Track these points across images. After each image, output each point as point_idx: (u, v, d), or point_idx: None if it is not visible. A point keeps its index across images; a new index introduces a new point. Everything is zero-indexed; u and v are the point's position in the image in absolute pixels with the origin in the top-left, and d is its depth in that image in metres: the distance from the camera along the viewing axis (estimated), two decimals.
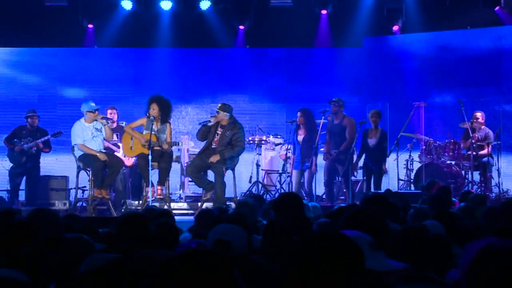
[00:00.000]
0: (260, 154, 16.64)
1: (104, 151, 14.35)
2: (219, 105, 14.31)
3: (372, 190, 15.26)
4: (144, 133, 14.14)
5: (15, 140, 15.53)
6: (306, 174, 15.95)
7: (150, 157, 13.56)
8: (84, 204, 14.93)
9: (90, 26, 18.84)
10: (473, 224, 7.59)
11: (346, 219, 4.91)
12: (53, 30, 18.48)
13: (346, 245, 3.22)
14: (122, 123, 15.74)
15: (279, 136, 17.23)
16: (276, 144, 17.15)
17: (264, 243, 5.62)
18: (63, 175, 16.18)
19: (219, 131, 14.02)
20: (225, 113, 14.03)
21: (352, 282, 3.20)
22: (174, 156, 15.62)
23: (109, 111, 15.76)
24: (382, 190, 15.20)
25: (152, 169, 13.87)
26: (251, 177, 16.55)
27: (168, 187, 14.47)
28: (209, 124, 14.14)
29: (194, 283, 3.04)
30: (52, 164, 16.99)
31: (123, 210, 14.40)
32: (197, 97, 18.65)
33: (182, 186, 16.11)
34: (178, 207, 14.52)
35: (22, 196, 16.07)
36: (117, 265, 3.81)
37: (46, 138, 15.70)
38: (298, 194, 9.28)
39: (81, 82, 18.97)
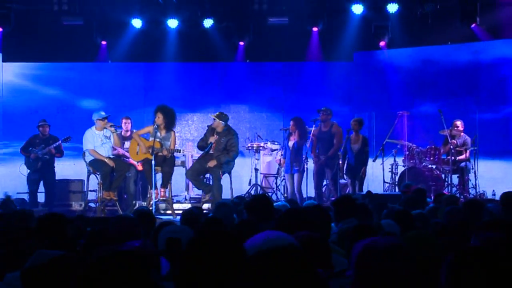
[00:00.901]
0: (259, 159, 16.84)
1: (112, 156, 14.55)
2: (217, 113, 14.56)
3: (357, 191, 15.22)
4: (150, 140, 14.25)
5: (30, 148, 15.72)
6: (295, 177, 15.86)
7: (153, 162, 13.70)
8: (95, 205, 15.08)
9: (104, 42, 18.89)
10: (433, 224, 7.87)
11: (278, 219, 5.10)
12: (70, 46, 18.53)
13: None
14: (134, 131, 15.69)
15: (276, 143, 17.16)
16: (273, 150, 17.14)
17: None
18: (79, 178, 16.32)
19: (215, 138, 14.27)
20: (221, 121, 14.28)
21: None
22: (179, 161, 15.89)
23: (124, 120, 15.88)
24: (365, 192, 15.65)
25: (156, 173, 13.99)
26: (250, 180, 16.73)
27: (171, 190, 14.59)
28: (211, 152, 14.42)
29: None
30: (69, 168, 17.08)
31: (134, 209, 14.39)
32: (201, 106, 18.63)
33: (187, 188, 16.29)
34: (183, 207, 14.23)
35: (41, 198, 16.11)
36: (60, 262, 3.84)
37: (57, 143, 15.84)
38: (268, 196, 9.44)
39: (96, 93, 19.01)
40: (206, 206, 13.89)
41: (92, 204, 15.27)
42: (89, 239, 5.56)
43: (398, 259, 3.28)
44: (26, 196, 15.99)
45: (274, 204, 9.19)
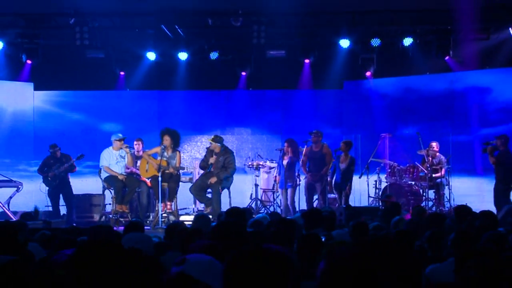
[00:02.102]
0: (258, 176, 16.93)
1: (124, 174, 14.90)
2: (212, 137, 14.92)
3: (343, 205, 15.28)
4: (158, 159, 14.58)
5: (45, 169, 16.02)
6: (289, 192, 16.07)
7: (160, 178, 14.04)
8: (112, 217, 15.13)
9: (122, 73, 18.97)
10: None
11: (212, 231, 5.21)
12: (93, 76, 18.71)
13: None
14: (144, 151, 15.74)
15: (274, 161, 17.22)
16: (271, 168, 17.28)
17: None
18: (100, 193, 16.17)
19: (214, 158, 14.68)
20: (217, 143, 14.70)
21: None
22: (188, 178, 16.14)
23: (135, 142, 16.05)
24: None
25: (163, 188, 14.30)
26: (251, 194, 16.93)
27: (176, 203, 14.89)
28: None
29: None
30: (93, 184, 17.00)
31: (148, 221, 14.73)
32: (209, 129, 18.41)
33: (194, 202, 16.23)
34: (190, 218, 13.83)
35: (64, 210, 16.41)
36: (12, 267, 3.67)
37: (71, 162, 16.09)
38: (241, 209, 9.45)
39: (115, 118, 19.18)
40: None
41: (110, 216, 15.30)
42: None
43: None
44: (50, 208, 16.20)
45: (256, 216, 9.58)
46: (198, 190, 14.77)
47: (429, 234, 6.95)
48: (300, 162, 16.14)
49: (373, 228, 8.35)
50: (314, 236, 6.17)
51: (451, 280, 4.76)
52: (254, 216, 10.88)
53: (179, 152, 15.06)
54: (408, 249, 4.30)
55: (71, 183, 16.62)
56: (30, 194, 16.84)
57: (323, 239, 6.78)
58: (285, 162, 16.23)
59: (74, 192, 16.64)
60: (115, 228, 12.61)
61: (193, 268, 3.31)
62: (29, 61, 17.91)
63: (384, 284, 2.98)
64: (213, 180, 14.51)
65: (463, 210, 9.64)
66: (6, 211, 14.97)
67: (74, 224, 14.23)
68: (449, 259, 5.69)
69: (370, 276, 2.98)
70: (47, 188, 16.17)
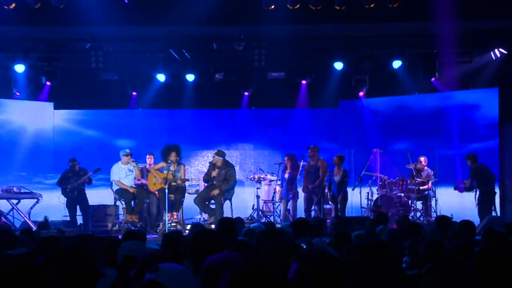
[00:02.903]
0: (260, 188, 17.18)
1: (134, 186, 15.11)
2: (215, 151, 15.18)
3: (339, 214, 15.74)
4: (164, 172, 14.84)
5: (63, 181, 16.17)
6: (290, 202, 16.36)
7: (167, 190, 14.29)
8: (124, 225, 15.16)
9: (134, 93, 19.05)
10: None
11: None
12: (107, 96, 18.82)
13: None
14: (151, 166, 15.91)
15: (274, 175, 17.49)
16: (271, 181, 17.49)
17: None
18: (114, 204, 16.24)
19: (216, 172, 14.98)
20: (219, 157, 14.98)
21: None
22: (194, 190, 16.36)
23: (148, 156, 16.13)
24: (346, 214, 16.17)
25: (170, 200, 14.52)
26: (253, 205, 17.17)
27: (182, 213, 15.11)
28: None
29: None
30: (108, 195, 16.58)
31: (158, 230, 15.02)
32: (214, 145, 18.27)
33: (200, 212, 16.12)
34: None
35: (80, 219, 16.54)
36: None
37: (88, 175, 16.22)
38: (232, 219, 9.24)
39: (128, 134, 19.27)
40: (213, 226, 13.88)
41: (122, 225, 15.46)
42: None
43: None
44: (68, 218, 16.36)
45: (251, 225, 9.69)
46: (202, 201, 15.03)
47: (409, 243, 7.05)
48: (298, 175, 16.31)
49: (355, 237, 8.41)
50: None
51: None
52: (246, 225, 10.97)
53: (183, 165, 15.31)
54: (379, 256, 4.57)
55: (87, 195, 16.75)
56: (48, 205, 16.81)
57: (304, 246, 7.03)
58: (286, 175, 16.48)
59: (90, 203, 16.73)
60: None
61: (165, 277, 3.36)
62: (48, 83, 17.99)
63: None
64: (216, 192, 14.77)
65: (443, 220, 9.80)
66: (27, 220, 15.15)
67: (90, 233, 14.46)
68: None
69: (337, 274, 3.24)
70: (66, 199, 16.30)
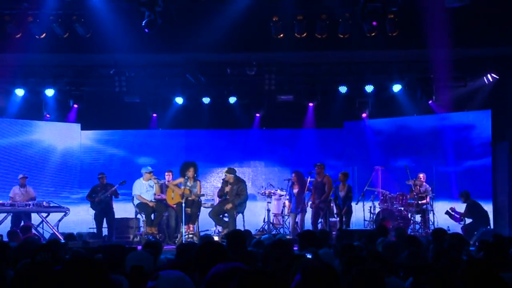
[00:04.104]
0: (270, 202, 17.25)
1: (153, 200, 15.17)
2: (226, 169, 15.27)
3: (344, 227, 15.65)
4: (181, 188, 14.89)
5: (93, 195, 16.22)
6: (299, 216, 16.31)
7: (184, 204, 14.38)
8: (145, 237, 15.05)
9: (154, 115, 19.15)
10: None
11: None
12: (129, 117, 18.96)
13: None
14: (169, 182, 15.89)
15: (283, 190, 17.43)
16: (281, 195, 17.47)
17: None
18: (135, 217, 16.31)
19: (229, 187, 15.04)
20: (231, 174, 15.08)
21: None
22: (209, 204, 16.31)
23: (166, 173, 16.14)
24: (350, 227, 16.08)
25: (186, 213, 14.55)
26: (264, 218, 17.24)
27: (198, 226, 15.13)
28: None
29: None
30: (129, 209, 16.60)
31: (176, 241, 14.89)
32: (228, 162, 18.18)
33: (215, 224, 16.07)
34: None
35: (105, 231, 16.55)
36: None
37: (114, 187, 16.23)
38: (241, 231, 8.98)
39: (148, 153, 19.32)
40: None
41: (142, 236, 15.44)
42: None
43: None
44: (94, 230, 16.41)
45: (262, 236, 9.67)
46: (216, 215, 15.10)
47: (407, 254, 7.00)
48: (306, 190, 16.31)
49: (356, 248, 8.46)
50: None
51: None
52: (256, 237, 10.92)
53: (199, 181, 15.34)
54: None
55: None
56: (75, 218, 16.94)
57: (310, 256, 6.94)
58: (295, 190, 16.50)
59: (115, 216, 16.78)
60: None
61: (164, 284, 3.35)
62: (76, 105, 18.23)
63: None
64: (229, 206, 14.85)
65: (439, 232, 9.78)
66: (56, 232, 15.19)
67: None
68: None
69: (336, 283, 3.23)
70: (94, 211, 16.31)
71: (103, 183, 16.52)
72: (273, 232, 16.40)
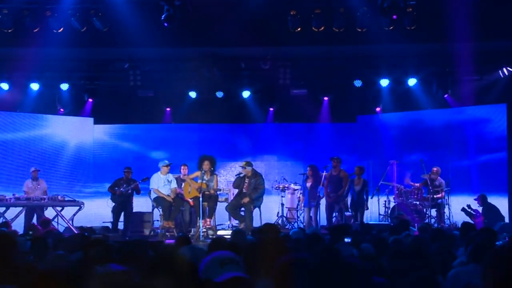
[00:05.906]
0: (284, 197, 17.27)
1: (170, 195, 15.14)
2: (244, 162, 15.19)
3: (358, 221, 15.70)
4: (198, 182, 14.85)
5: (115, 188, 16.11)
6: (312, 210, 16.27)
7: (201, 198, 14.31)
8: (160, 231, 15.33)
9: (168, 109, 19.26)
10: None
11: None
12: (143, 111, 18.99)
13: None
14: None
15: (297, 184, 17.47)
16: (295, 190, 17.50)
17: None
18: (149, 211, 16.36)
19: (247, 180, 15.01)
20: (249, 168, 15.06)
21: None
22: (224, 198, 16.25)
23: (182, 167, 15.96)
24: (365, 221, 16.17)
25: (203, 207, 14.52)
26: (278, 212, 17.28)
27: (215, 220, 15.11)
28: (241, 175, 15.08)
29: None
30: (142, 203, 16.80)
31: (190, 235, 14.66)
32: (242, 156, 18.24)
33: (229, 218, 16.37)
34: (226, 233, 14.73)
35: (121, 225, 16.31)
36: None
37: (137, 183, 15.99)
38: (274, 225, 9.36)
39: (162, 147, 19.29)
40: None
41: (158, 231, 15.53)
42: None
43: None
44: (109, 224, 16.25)
45: (290, 231, 9.64)
46: (233, 209, 15.06)
47: (438, 246, 7.10)
48: (321, 185, 16.30)
49: (392, 242, 8.28)
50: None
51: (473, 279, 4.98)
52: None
53: (216, 175, 15.27)
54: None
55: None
56: (88, 212, 16.70)
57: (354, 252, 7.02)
58: (308, 184, 16.48)
59: None
60: (166, 241, 13.00)
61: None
62: (90, 100, 18.32)
63: None
64: (246, 200, 14.80)
65: (467, 226, 9.77)
66: (70, 226, 15.18)
67: (127, 238, 14.54)
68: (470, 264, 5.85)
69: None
70: (113, 204, 16.15)
71: (128, 177, 16.33)
72: (287, 227, 16.49)
